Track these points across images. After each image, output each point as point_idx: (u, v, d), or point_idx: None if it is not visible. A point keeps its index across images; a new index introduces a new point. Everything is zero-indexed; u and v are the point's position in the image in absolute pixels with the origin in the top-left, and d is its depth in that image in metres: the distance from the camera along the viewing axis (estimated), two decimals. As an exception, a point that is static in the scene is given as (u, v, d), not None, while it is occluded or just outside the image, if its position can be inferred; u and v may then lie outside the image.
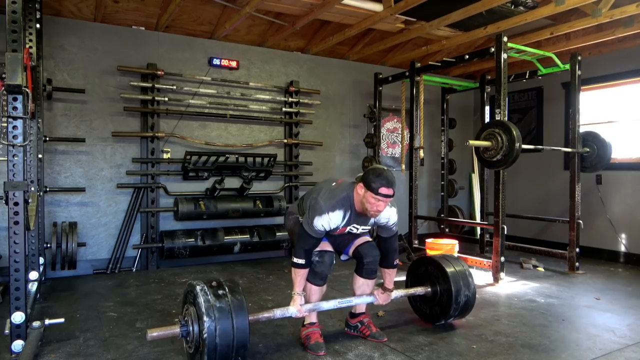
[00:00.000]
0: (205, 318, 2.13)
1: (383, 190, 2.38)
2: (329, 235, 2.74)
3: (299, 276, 2.57)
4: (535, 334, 2.94)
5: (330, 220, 2.48)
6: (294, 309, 2.53)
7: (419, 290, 3.07)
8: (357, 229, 2.68)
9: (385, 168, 2.50)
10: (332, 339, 2.80)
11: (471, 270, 4.65)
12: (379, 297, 2.82)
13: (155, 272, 4.71)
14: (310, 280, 2.65)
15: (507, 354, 2.62)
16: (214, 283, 2.30)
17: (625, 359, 2.57)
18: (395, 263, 2.82)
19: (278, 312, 2.51)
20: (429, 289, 3.04)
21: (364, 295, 2.80)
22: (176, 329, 2.25)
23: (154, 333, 2.21)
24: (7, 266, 2.38)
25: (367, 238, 2.84)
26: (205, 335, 2.11)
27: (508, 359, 2.56)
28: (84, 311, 3.38)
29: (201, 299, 2.18)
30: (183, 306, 2.38)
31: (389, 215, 2.63)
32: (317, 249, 2.64)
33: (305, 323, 2.74)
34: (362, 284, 2.82)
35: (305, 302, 2.68)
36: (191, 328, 2.23)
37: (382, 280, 2.89)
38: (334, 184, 2.64)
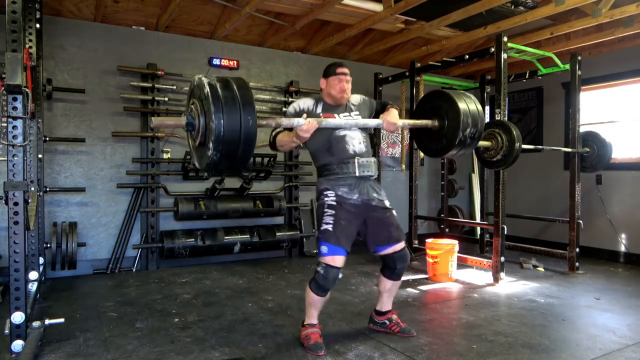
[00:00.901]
0: (208, 88, 2.00)
1: (339, 69, 2.74)
2: (364, 221, 2.73)
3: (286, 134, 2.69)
4: (535, 334, 2.94)
5: (300, 103, 2.79)
6: (301, 119, 2.49)
7: (426, 122, 2.91)
8: (353, 117, 2.76)
9: None
10: (332, 339, 2.80)
11: (472, 269, 4.73)
12: (385, 118, 2.73)
13: (155, 272, 4.71)
14: (313, 290, 2.65)
15: (507, 354, 2.62)
16: (221, 77, 2.17)
17: (625, 359, 2.58)
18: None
19: (285, 121, 2.49)
20: (437, 123, 2.89)
21: (374, 121, 2.76)
22: (181, 120, 2.14)
23: (157, 121, 2.13)
24: (7, 266, 2.37)
25: (403, 244, 2.81)
26: (209, 102, 1.99)
27: (508, 359, 2.56)
28: (84, 311, 3.38)
29: (206, 84, 2.04)
30: (189, 101, 2.23)
31: (360, 98, 2.92)
32: (324, 262, 2.59)
33: (305, 323, 2.74)
34: (392, 286, 2.89)
35: (312, 312, 2.71)
36: (197, 121, 2.08)
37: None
38: None
